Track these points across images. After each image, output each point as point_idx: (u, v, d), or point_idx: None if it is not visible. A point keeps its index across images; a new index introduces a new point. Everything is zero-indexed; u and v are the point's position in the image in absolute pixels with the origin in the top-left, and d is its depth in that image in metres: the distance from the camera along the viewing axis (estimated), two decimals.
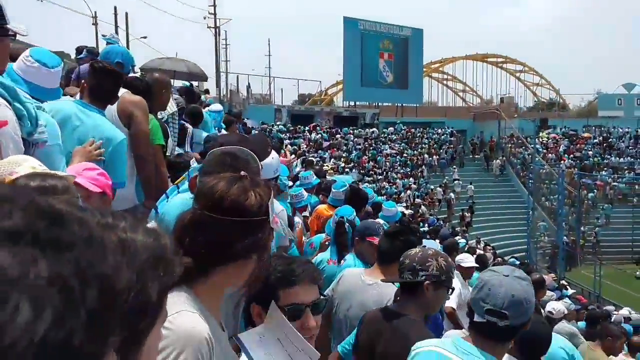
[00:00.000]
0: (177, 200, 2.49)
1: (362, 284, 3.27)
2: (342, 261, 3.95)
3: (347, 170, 28.56)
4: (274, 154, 3.54)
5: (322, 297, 1.84)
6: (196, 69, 12.91)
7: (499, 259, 16.14)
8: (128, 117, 3.70)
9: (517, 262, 16.73)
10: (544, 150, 36.16)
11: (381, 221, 6.32)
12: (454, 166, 34.94)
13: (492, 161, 36.13)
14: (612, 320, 10.83)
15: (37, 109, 2.49)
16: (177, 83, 13.51)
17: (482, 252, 15.42)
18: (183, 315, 1.38)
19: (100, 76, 3.35)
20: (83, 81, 3.46)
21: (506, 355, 2.49)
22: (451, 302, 5.60)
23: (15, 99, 2.29)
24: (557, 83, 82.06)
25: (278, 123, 35.55)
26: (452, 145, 37.30)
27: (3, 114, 2.20)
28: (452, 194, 31.43)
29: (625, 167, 35.34)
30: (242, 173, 1.58)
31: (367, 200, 5.99)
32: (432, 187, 31.76)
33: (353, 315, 3.23)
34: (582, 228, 30.24)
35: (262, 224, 1.50)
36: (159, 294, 0.75)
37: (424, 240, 4.78)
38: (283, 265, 1.76)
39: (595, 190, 32.88)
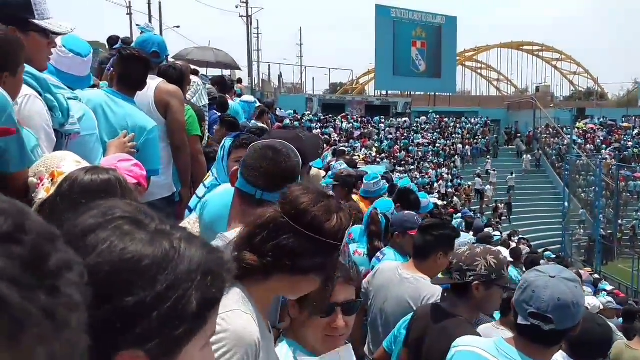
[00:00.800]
0: (222, 190, 2.49)
1: (399, 278, 3.22)
2: (379, 255, 3.89)
3: (378, 160, 28.39)
4: None
5: (357, 299, 1.83)
6: (228, 59, 12.94)
7: (535, 254, 15.78)
8: (165, 106, 3.73)
9: (552, 256, 16.40)
10: (581, 141, 35.30)
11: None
12: (488, 156, 34.42)
13: (524, 155, 34.84)
14: None
15: (73, 100, 2.50)
16: (210, 72, 13.60)
17: (515, 245, 15.18)
18: (237, 315, 1.40)
19: (128, 63, 3.33)
20: (112, 69, 3.45)
21: (560, 353, 2.39)
22: None
23: (46, 90, 2.28)
24: (596, 72, 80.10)
25: (309, 112, 35.54)
26: (486, 135, 36.71)
27: (34, 106, 2.19)
28: (488, 186, 30.95)
29: None
30: (331, 193, 1.58)
31: (419, 206, 5.51)
32: (468, 183, 30.93)
33: (389, 309, 3.19)
34: (619, 221, 29.45)
35: (334, 248, 1.49)
36: (201, 304, 0.75)
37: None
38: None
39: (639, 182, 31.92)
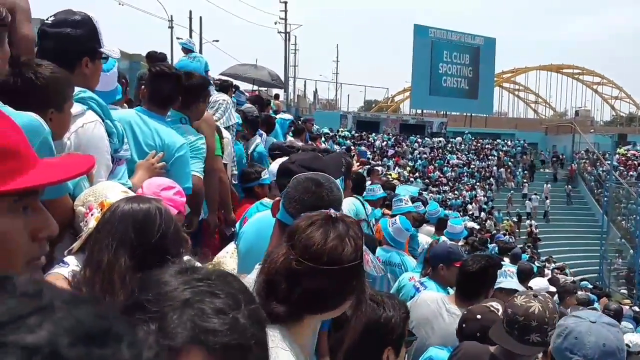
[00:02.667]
0: (254, 219, 2.45)
1: (447, 313, 3.12)
2: (418, 285, 3.77)
3: (411, 179, 28.17)
4: (279, 159, 3.50)
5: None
6: (278, 77, 13.14)
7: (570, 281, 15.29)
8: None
9: (590, 286, 15.93)
10: (622, 168, 34.38)
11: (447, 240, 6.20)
12: (525, 180, 33.83)
13: (545, 185, 33.27)
14: None
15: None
16: (247, 89, 13.71)
17: (549, 273, 14.74)
18: (277, 353, 1.40)
19: (158, 80, 3.26)
20: (143, 87, 3.42)
21: None
22: None
23: (107, 117, 2.32)
24: (639, 97, 78.13)
25: (343, 129, 35.60)
26: (525, 162, 36.07)
27: (100, 131, 2.23)
28: (528, 207, 30.35)
29: None
30: (333, 213, 1.53)
31: None
32: (514, 219, 29.89)
33: (434, 344, 3.04)
34: None
35: (356, 268, 1.48)
36: None
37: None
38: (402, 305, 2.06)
39: None
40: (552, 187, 33.27)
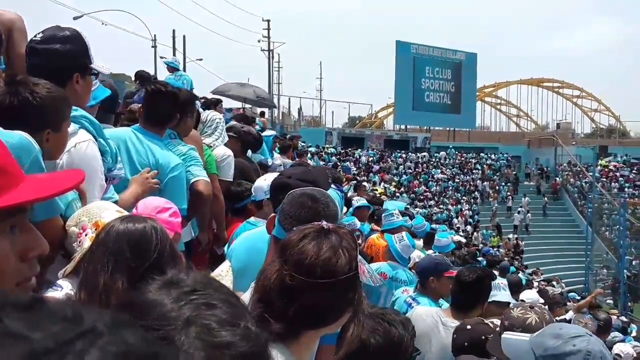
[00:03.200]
0: (244, 237, 2.42)
1: (444, 327, 3.09)
2: (410, 301, 3.74)
3: (397, 194, 28.24)
4: (267, 175, 3.48)
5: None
6: (266, 96, 13.12)
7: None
8: None
9: (577, 297, 16.00)
10: (604, 179, 34.82)
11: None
12: (509, 194, 34.08)
13: (524, 198, 33.45)
14: None
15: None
16: (231, 106, 13.66)
17: (536, 284, 14.80)
18: None
19: (154, 99, 3.22)
20: (140, 106, 3.39)
21: None
22: None
23: (100, 135, 2.30)
24: (617, 109, 79.31)
25: (328, 145, 35.69)
26: (509, 175, 36.35)
27: (93, 150, 2.20)
28: (517, 220, 30.52)
29: None
30: (325, 225, 1.49)
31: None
32: (508, 236, 29.67)
33: (432, 359, 3.02)
34: None
35: (352, 280, 1.44)
36: None
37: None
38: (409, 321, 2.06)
39: None
40: (531, 200, 33.56)
